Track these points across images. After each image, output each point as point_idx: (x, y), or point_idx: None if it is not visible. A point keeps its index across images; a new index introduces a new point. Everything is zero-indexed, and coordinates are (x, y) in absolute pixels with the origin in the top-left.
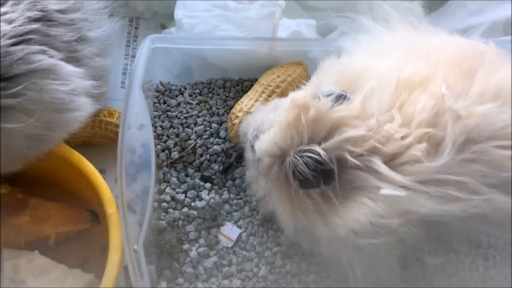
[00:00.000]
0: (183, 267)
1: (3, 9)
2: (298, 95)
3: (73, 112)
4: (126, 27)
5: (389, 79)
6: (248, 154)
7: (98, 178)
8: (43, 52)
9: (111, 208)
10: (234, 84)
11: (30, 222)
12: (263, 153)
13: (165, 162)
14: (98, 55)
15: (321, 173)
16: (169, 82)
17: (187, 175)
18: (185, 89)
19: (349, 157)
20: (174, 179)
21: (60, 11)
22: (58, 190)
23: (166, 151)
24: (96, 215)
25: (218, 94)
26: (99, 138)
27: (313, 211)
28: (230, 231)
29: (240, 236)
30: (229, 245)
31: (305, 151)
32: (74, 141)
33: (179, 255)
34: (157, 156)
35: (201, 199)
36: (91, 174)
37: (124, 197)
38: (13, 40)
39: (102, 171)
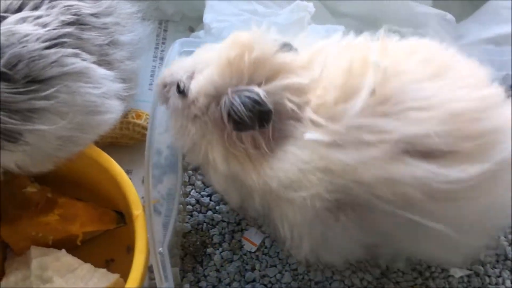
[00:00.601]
0: (206, 270)
1: (38, 13)
2: (242, 34)
3: (104, 114)
4: (155, 30)
5: (341, 42)
6: (173, 103)
7: (125, 180)
8: (76, 55)
9: (137, 210)
10: None
11: (58, 221)
12: (199, 92)
13: (190, 165)
14: (128, 59)
15: (258, 114)
16: None
17: None
18: None
19: (289, 104)
20: (199, 182)
21: (93, 15)
22: (86, 190)
23: None
24: (122, 216)
25: None
26: (126, 139)
27: (245, 158)
28: (253, 236)
29: (263, 241)
30: (253, 250)
31: (244, 90)
32: (102, 141)
33: (203, 258)
34: (183, 158)
35: (225, 203)
36: (119, 176)
37: (150, 199)
38: (47, 43)
39: (128, 172)
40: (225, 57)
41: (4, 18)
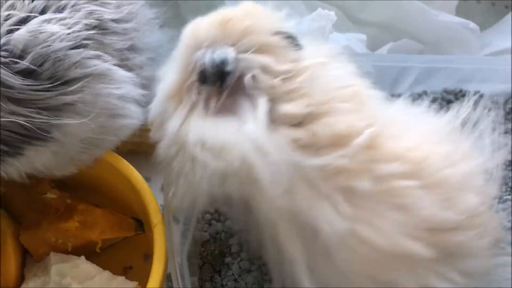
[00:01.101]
0: (224, 280)
1: (62, 15)
2: (253, 4)
3: (125, 118)
4: (175, 37)
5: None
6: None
7: (144, 188)
8: (98, 57)
9: (156, 218)
10: None
11: (78, 227)
12: (185, 38)
13: None
14: (148, 65)
15: (220, 72)
16: None
17: None
18: None
19: (248, 79)
20: None
21: (114, 20)
22: (104, 197)
23: None
24: (141, 223)
25: None
26: (145, 147)
27: (187, 108)
28: None
29: None
30: None
31: (219, 48)
32: (121, 149)
33: (221, 267)
34: None
35: None
36: (138, 183)
37: (170, 207)
38: (71, 43)
39: (147, 179)
40: (221, 16)
41: (31, 18)
